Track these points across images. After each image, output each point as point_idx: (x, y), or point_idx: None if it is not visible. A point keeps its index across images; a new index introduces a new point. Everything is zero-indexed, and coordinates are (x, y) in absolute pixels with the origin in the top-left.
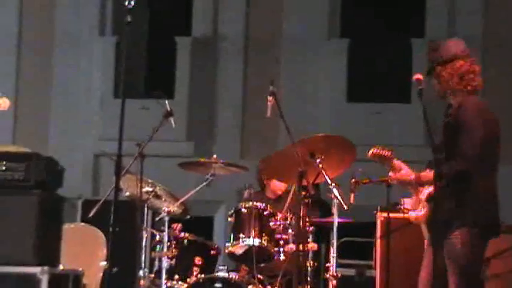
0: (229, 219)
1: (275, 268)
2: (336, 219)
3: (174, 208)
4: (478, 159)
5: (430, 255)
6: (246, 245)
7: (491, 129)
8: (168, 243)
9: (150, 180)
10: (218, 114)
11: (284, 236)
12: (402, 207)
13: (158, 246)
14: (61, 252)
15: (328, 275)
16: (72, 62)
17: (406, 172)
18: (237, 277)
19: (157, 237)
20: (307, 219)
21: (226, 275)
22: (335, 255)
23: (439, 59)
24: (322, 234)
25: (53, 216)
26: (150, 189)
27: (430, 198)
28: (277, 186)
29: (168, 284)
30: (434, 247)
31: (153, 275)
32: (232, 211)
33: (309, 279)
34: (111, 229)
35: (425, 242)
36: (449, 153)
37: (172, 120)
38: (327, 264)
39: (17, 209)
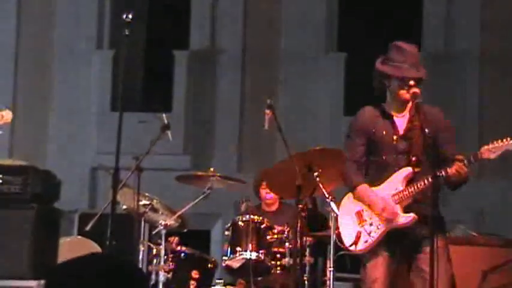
0: (226, 232)
1: (272, 282)
2: (332, 233)
3: (171, 221)
4: None
5: (387, 269)
6: (243, 258)
7: None
8: (165, 257)
9: (147, 194)
10: (215, 128)
11: (281, 250)
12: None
13: (155, 260)
14: None
15: None
16: (70, 74)
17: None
18: None
19: (154, 251)
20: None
21: None
22: (332, 268)
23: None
24: (319, 248)
25: (50, 230)
26: (147, 203)
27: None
28: (268, 195)
29: None
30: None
31: None
32: (229, 224)
33: None
34: (108, 242)
35: (375, 253)
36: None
37: (169, 133)
38: (324, 278)
39: (14, 222)
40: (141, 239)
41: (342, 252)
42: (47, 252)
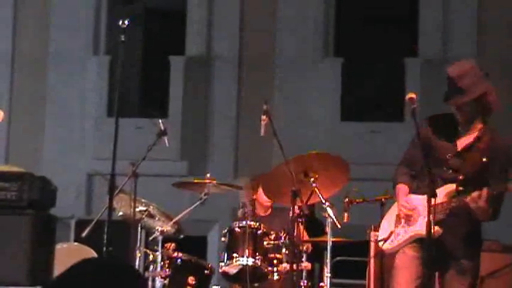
0: (222, 238)
1: None
2: (329, 239)
3: (168, 227)
4: None
5: (415, 271)
6: (239, 264)
7: None
8: (162, 263)
9: (143, 200)
10: (212, 133)
11: (278, 256)
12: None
13: (151, 266)
14: (54, 273)
15: None
16: (66, 80)
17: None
18: None
19: (151, 257)
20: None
21: None
22: (329, 274)
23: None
24: (316, 254)
25: (46, 236)
26: (144, 209)
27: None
28: (264, 198)
29: None
30: (430, 264)
31: None
32: (225, 230)
33: None
34: (104, 249)
35: (405, 256)
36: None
37: (166, 139)
38: (321, 284)
39: (10, 229)
40: (138, 245)
41: (338, 258)
42: (43, 259)
